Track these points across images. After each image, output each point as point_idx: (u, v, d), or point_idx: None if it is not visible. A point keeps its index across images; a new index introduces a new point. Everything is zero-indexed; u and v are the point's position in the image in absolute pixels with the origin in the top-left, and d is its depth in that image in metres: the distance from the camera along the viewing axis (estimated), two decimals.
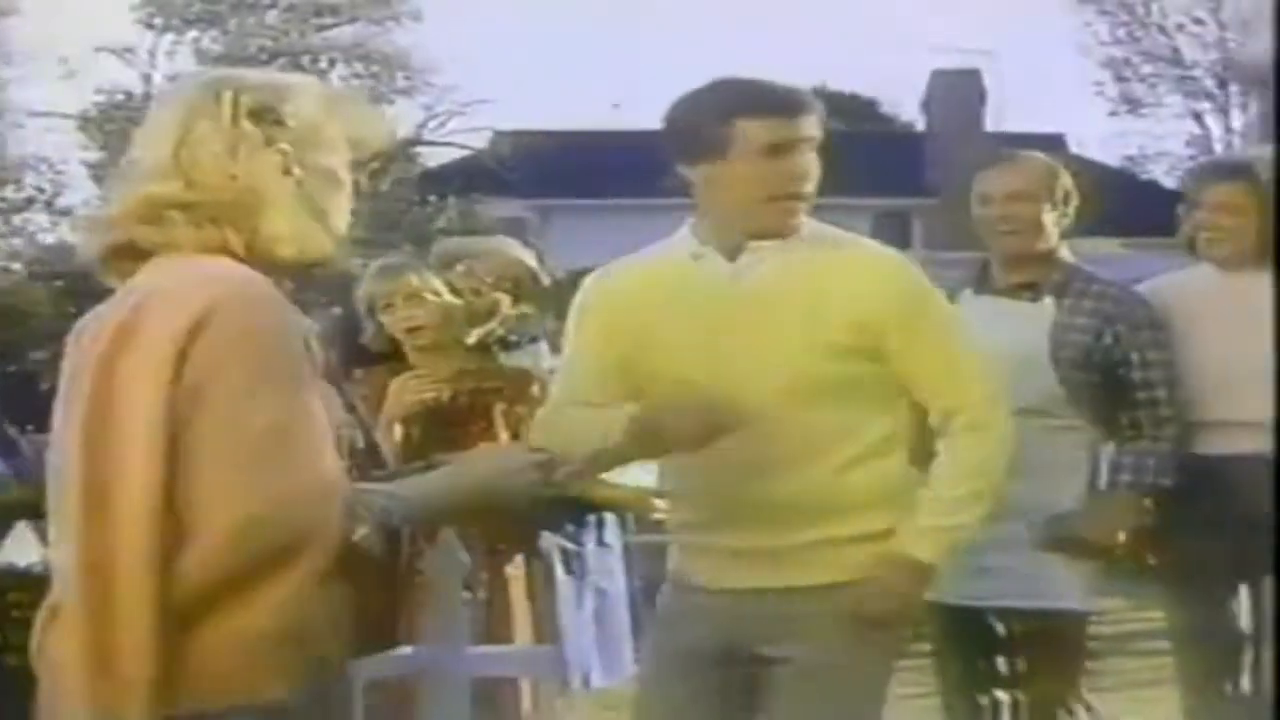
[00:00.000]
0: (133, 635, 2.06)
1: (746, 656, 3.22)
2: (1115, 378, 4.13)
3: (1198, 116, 33.24)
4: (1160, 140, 33.92)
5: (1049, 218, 4.17)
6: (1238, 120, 32.66)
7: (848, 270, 3.19)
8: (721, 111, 3.11)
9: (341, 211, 2.39)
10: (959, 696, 4.40)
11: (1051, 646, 4.12)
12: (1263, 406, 4.17)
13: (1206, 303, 4.32)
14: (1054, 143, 36.11)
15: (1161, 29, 33.39)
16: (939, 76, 27.65)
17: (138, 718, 2.07)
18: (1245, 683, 4.29)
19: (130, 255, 2.27)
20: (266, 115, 2.30)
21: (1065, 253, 4.24)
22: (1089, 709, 4.18)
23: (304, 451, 2.17)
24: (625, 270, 3.33)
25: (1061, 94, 68.89)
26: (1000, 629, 4.28)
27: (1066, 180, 4.25)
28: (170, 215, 2.23)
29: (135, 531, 2.07)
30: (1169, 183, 33.14)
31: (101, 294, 2.30)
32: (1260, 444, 4.19)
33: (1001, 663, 4.31)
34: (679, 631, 3.30)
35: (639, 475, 4.04)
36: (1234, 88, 32.85)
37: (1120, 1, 33.54)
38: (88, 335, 2.21)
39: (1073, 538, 4.07)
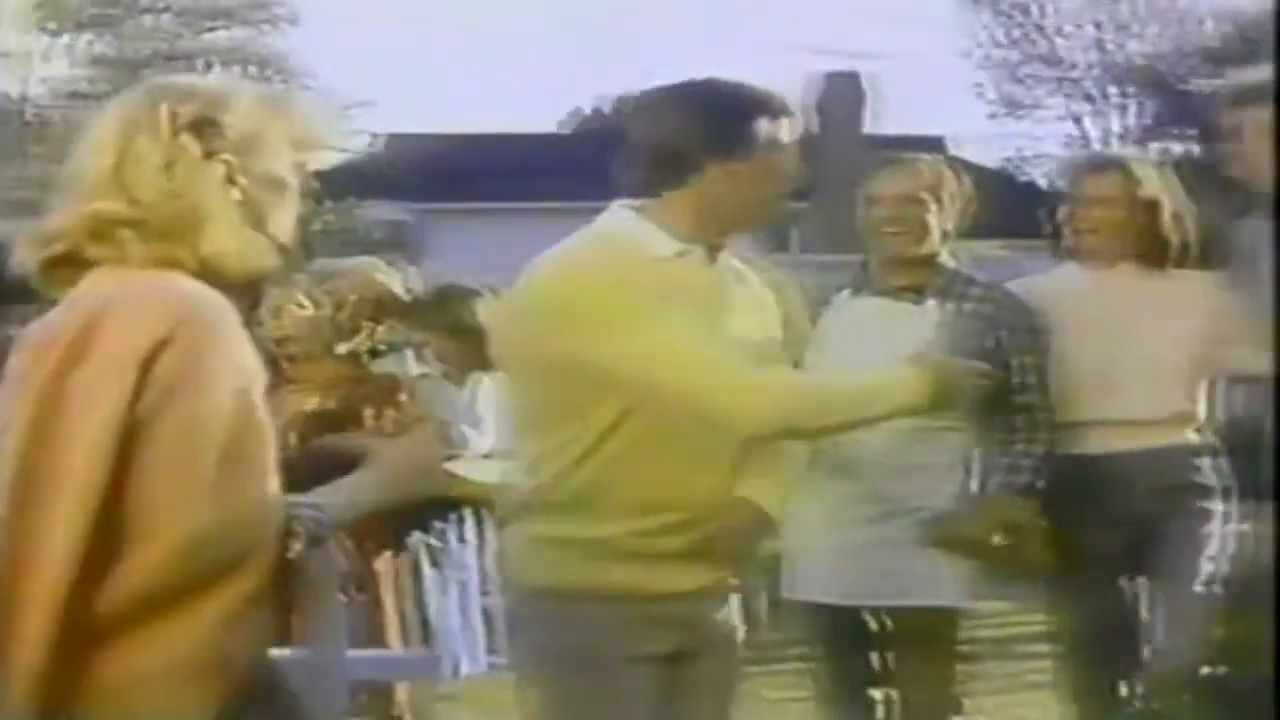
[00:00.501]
0: (32, 632, 2.06)
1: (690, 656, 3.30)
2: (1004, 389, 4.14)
3: (1077, 119, 33.71)
4: (1039, 142, 34.37)
5: (935, 221, 4.23)
6: (1116, 123, 33.17)
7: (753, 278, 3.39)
8: (745, 109, 3.19)
9: (286, 217, 2.38)
10: (836, 697, 4.47)
11: (925, 644, 4.19)
12: (1136, 404, 4.28)
13: (1080, 301, 4.39)
14: (933, 145, 36.47)
15: (1041, 31, 33.80)
16: (818, 78, 27.89)
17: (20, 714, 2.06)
18: (1123, 684, 4.07)
19: (72, 264, 2.26)
20: (206, 127, 2.29)
21: (947, 256, 4.30)
22: (960, 708, 4.26)
23: (254, 471, 2.20)
24: (622, 262, 3.17)
25: (941, 96, 69.68)
26: (875, 627, 4.33)
27: (954, 184, 4.32)
28: (118, 232, 2.23)
29: (63, 534, 2.06)
30: (1048, 185, 33.68)
31: None
32: (1135, 441, 4.29)
33: (876, 661, 4.36)
34: (633, 639, 3.23)
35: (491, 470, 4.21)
36: (1113, 90, 33.33)
37: (1000, 3, 33.93)
38: (35, 342, 2.19)
39: (952, 538, 4.13)
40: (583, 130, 34.10)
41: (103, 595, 2.11)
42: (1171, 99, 30.11)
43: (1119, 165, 4.44)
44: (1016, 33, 33.91)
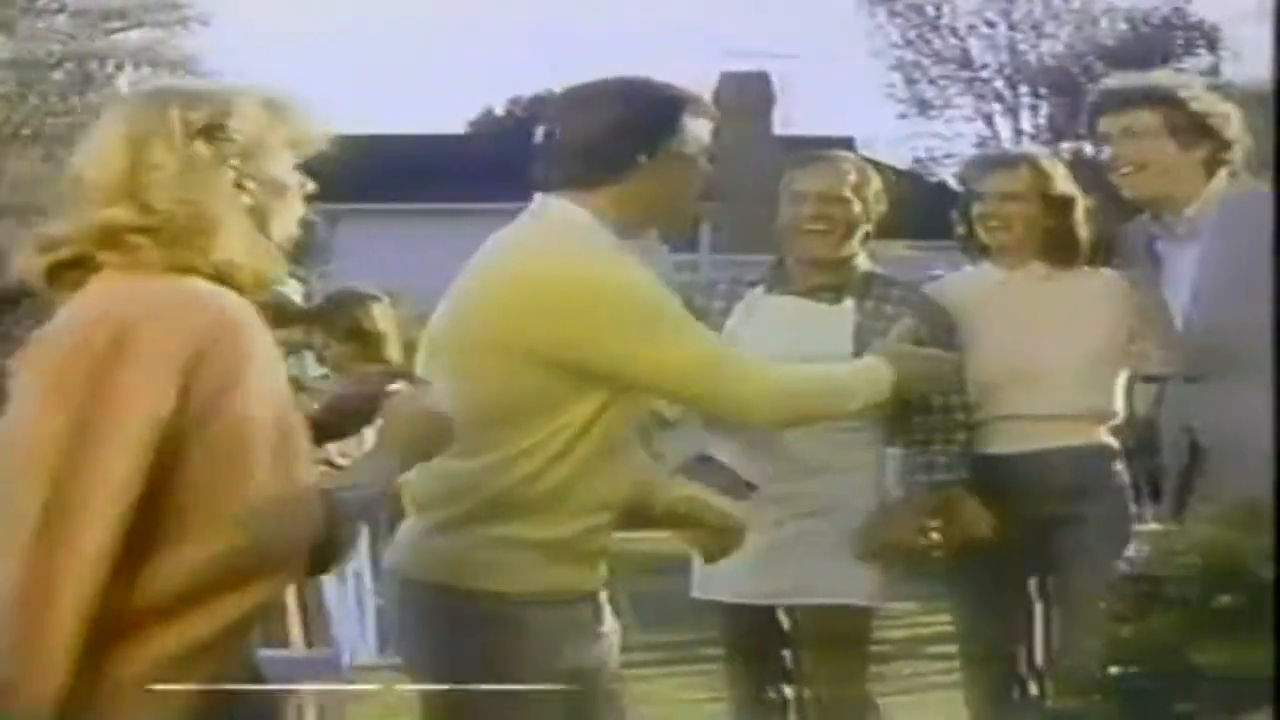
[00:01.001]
0: (62, 628, 2.09)
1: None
2: None
3: (987, 118, 34.00)
4: (949, 142, 34.65)
5: (859, 220, 4.31)
6: (1027, 122, 33.47)
7: None
8: (675, 106, 3.27)
9: (289, 220, 2.43)
10: (747, 697, 4.53)
11: (836, 642, 4.28)
12: (1046, 403, 4.36)
13: (991, 300, 4.45)
14: (843, 145, 36.70)
15: (953, 31, 34.05)
16: (728, 79, 27.95)
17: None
18: (1033, 683, 4.36)
19: (79, 268, 2.28)
20: (216, 132, 2.32)
21: (863, 256, 4.37)
22: (874, 705, 4.38)
23: (297, 468, 2.27)
24: (615, 256, 3.22)
25: (852, 96, 70.09)
26: (786, 626, 4.42)
27: (877, 183, 4.39)
28: (132, 239, 2.25)
29: (98, 534, 2.09)
30: (959, 184, 33.90)
31: None
32: (1046, 440, 4.37)
33: (788, 659, 4.44)
34: (574, 646, 3.26)
35: None
36: (1024, 89, 33.61)
37: (911, 4, 34.14)
38: (55, 342, 2.21)
39: (879, 546, 4.26)
40: (486, 131, 34.08)
41: (134, 592, 2.15)
42: (1081, 98, 30.44)
43: (1029, 161, 4.50)
44: (913, 34, 34.13)
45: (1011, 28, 33.68)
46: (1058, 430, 4.38)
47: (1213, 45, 30.60)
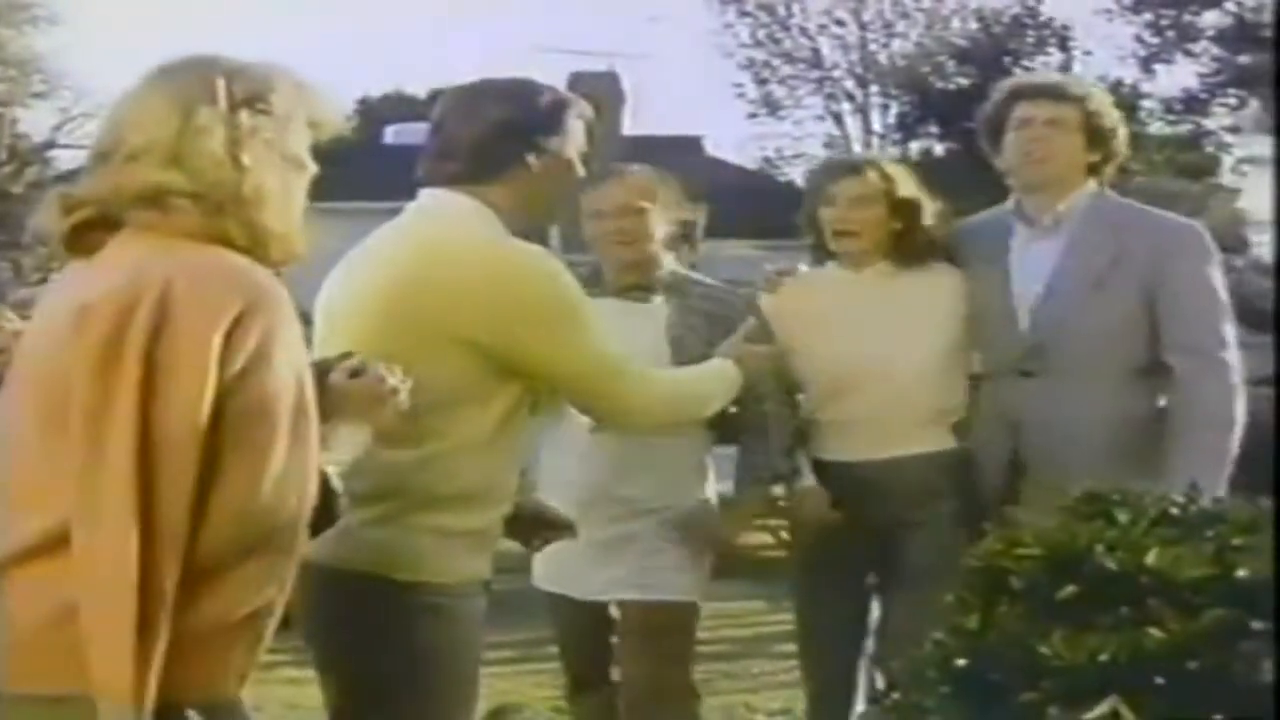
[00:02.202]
0: (161, 612, 2.14)
1: None
2: None
3: (837, 117, 34.27)
4: (799, 142, 34.91)
5: (657, 226, 4.47)
6: (877, 121, 33.81)
7: None
8: (561, 105, 3.47)
9: (302, 200, 2.46)
10: (580, 680, 4.80)
11: (659, 634, 4.45)
12: (897, 403, 4.44)
13: (831, 302, 4.56)
14: (691, 145, 36.93)
15: (803, 31, 34.31)
16: (577, 78, 27.99)
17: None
18: (863, 682, 4.53)
19: (99, 230, 2.32)
20: (256, 104, 2.37)
21: (669, 257, 4.56)
22: (695, 694, 4.57)
23: (309, 449, 2.31)
24: (537, 254, 3.32)
25: (701, 96, 70.38)
26: (617, 620, 4.57)
27: (666, 190, 4.56)
28: (177, 203, 2.28)
29: (177, 514, 2.15)
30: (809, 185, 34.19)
31: None
32: (896, 447, 4.45)
33: (619, 651, 4.60)
34: (479, 634, 3.39)
35: None
36: (874, 89, 33.94)
37: (761, 3, 34.36)
38: (83, 305, 2.22)
39: (701, 537, 4.45)
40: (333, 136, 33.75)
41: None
42: (931, 97, 30.83)
43: (875, 166, 4.59)
44: (763, 33, 34.38)
45: (862, 27, 33.96)
46: (905, 435, 4.47)
47: (1064, 44, 31.08)
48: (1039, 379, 4.24)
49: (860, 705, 4.47)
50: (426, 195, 3.46)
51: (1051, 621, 2.46)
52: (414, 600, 3.25)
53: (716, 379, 3.72)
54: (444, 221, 3.38)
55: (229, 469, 2.21)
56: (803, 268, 4.74)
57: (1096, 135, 4.31)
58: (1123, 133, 4.41)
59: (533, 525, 3.67)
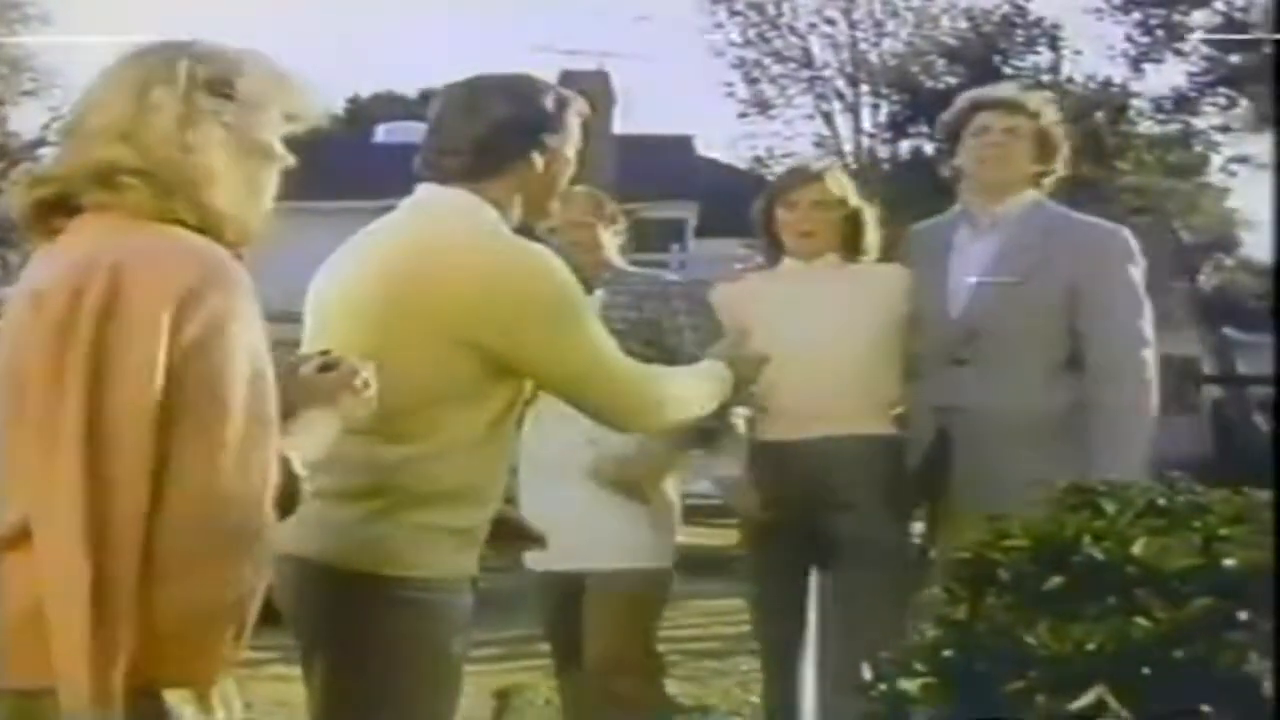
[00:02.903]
0: (120, 601, 2.12)
1: None
2: (663, 356, 4.48)
3: (827, 117, 34.29)
4: (789, 141, 34.91)
5: (605, 236, 5.10)
6: (868, 120, 33.82)
7: None
8: (562, 102, 3.50)
9: (271, 188, 2.48)
10: (564, 665, 5.15)
11: (626, 605, 4.84)
12: (832, 388, 4.77)
13: (779, 289, 4.97)
14: (682, 145, 37.02)
15: (793, 29, 34.32)
16: (568, 78, 28.03)
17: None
18: (809, 668, 4.86)
19: (59, 211, 2.33)
20: (221, 87, 2.38)
21: (617, 259, 5.13)
22: (660, 664, 5.03)
23: (269, 431, 2.29)
24: (542, 252, 3.35)
25: (692, 95, 70.47)
26: (587, 587, 4.92)
27: (611, 206, 5.20)
28: (127, 181, 2.29)
29: (132, 499, 2.14)
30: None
31: None
32: (830, 427, 4.75)
33: (584, 622, 4.93)
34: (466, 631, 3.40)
35: None
36: (864, 88, 33.97)
37: (751, 2, 34.37)
38: (40, 291, 2.23)
39: (617, 479, 4.79)
40: (322, 132, 33.78)
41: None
42: (922, 96, 30.87)
43: (833, 174, 5.08)
44: (753, 32, 34.40)
45: (852, 26, 33.97)
46: (838, 418, 4.76)
47: (1053, 43, 31.11)
48: (969, 367, 4.59)
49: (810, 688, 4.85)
50: (424, 190, 3.45)
51: (1038, 612, 2.47)
52: (401, 596, 3.25)
53: (709, 380, 3.73)
54: (444, 217, 3.37)
55: (183, 449, 2.19)
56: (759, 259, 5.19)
57: (1045, 147, 4.73)
58: (1067, 149, 4.82)
59: (503, 534, 3.67)
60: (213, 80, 2.39)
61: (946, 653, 2.50)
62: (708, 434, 4.78)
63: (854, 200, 5.03)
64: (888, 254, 5.04)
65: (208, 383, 2.21)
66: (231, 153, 2.40)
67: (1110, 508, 2.65)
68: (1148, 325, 4.53)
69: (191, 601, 2.23)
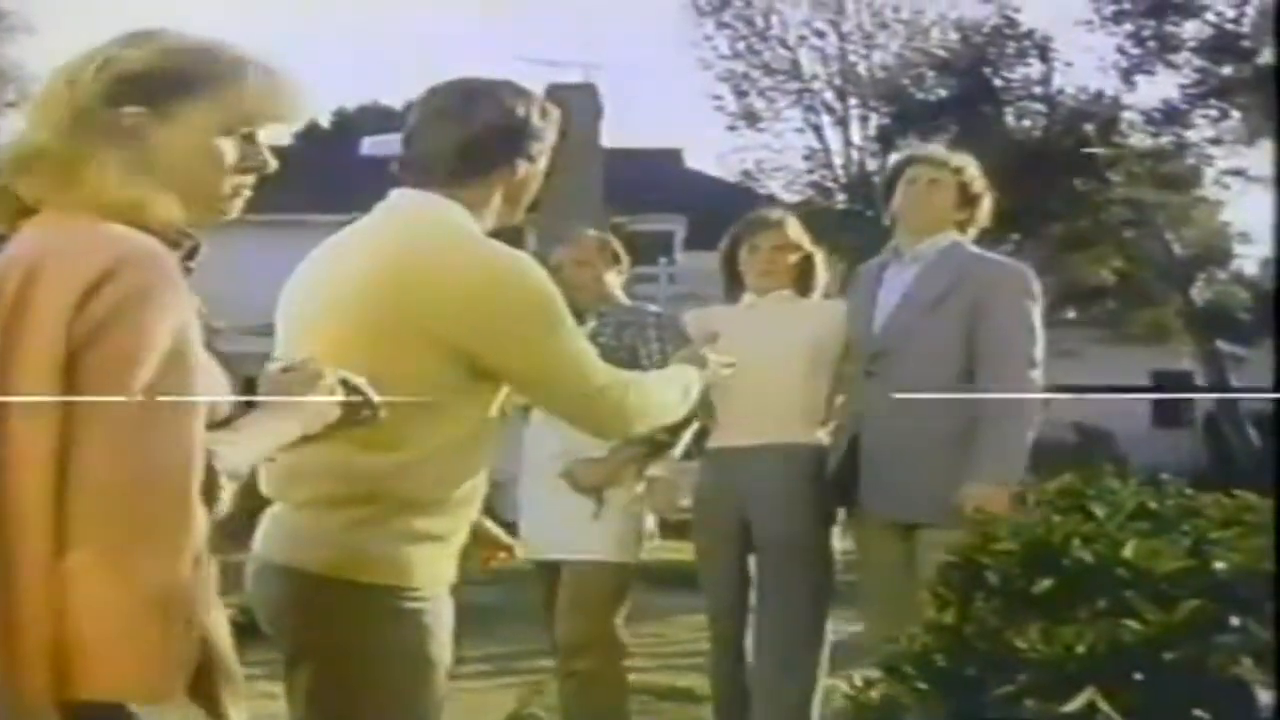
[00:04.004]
0: (35, 597, 2.09)
1: None
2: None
3: (817, 129, 34.37)
4: (779, 154, 34.99)
5: (609, 276, 5.78)
6: (857, 133, 33.91)
7: None
8: (545, 110, 3.46)
9: (205, 182, 2.42)
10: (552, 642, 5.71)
11: (589, 592, 5.51)
12: (774, 402, 5.47)
13: (737, 316, 5.70)
14: (670, 158, 37.10)
15: (782, 42, 34.38)
16: (554, 90, 28.07)
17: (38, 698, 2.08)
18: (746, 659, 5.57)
19: (16, 206, 2.35)
20: (142, 81, 2.36)
21: (618, 295, 5.79)
22: (619, 645, 5.53)
23: (184, 414, 2.21)
24: (521, 257, 3.31)
25: (680, 108, 70.60)
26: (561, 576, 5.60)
27: (615, 247, 5.86)
28: (35, 165, 2.31)
29: (32, 496, 2.10)
30: (788, 196, 34.27)
31: None
32: (767, 435, 5.48)
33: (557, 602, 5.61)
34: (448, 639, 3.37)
35: None
36: (854, 100, 34.04)
37: (740, 15, 34.45)
38: None
39: (577, 483, 5.50)
40: (310, 143, 33.80)
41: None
42: (912, 108, 30.92)
43: (791, 221, 5.82)
44: (741, 45, 34.46)
45: (841, 38, 34.07)
46: (771, 427, 5.51)
47: (1044, 55, 31.15)
48: (876, 379, 5.24)
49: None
50: (398, 195, 3.40)
51: (1028, 615, 2.47)
52: (383, 604, 3.23)
53: (679, 384, 3.73)
54: (422, 222, 3.34)
55: (84, 437, 2.14)
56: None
57: (965, 198, 5.41)
58: (988, 200, 5.49)
59: (476, 542, 3.68)
60: (127, 75, 2.37)
61: (936, 657, 2.51)
62: (659, 446, 5.49)
63: (808, 246, 5.76)
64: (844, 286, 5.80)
65: (111, 362, 2.15)
66: (134, 141, 2.37)
67: (1100, 511, 2.66)
68: (1037, 351, 5.15)
69: (108, 598, 2.13)
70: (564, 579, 5.56)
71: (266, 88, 2.49)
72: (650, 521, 5.71)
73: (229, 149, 2.44)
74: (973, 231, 5.46)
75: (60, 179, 2.32)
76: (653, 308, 5.85)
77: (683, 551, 6.28)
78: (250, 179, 2.50)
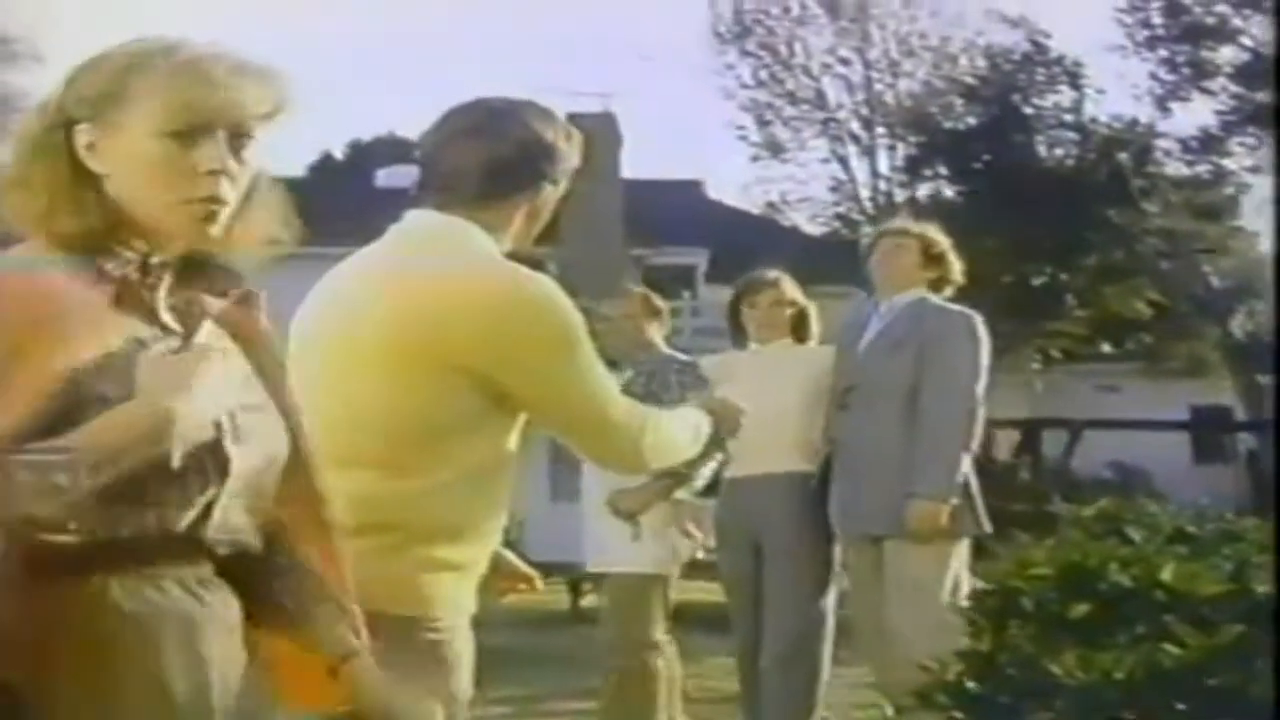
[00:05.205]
0: None
1: None
2: None
3: (842, 160, 34.31)
4: (804, 185, 34.94)
5: (652, 329, 6.69)
6: (884, 163, 33.85)
7: None
8: (571, 136, 3.43)
9: (150, 187, 2.35)
10: None
11: (625, 600, 6.49)
12: (774, 438, 6.26)
13: (745, 363, 6.69)
14: (692, 189, 37.10)
15: (806, 70, 34.36)
16: (573, 119, 28.06)
17: None
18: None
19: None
20: (97, 102, 2.34)
21: (661, 347, 6.67)
22: (655, 649, 6.42)
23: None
24: (544, 281, 3.26)
25: (702, 138, 70.74)
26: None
27: (660, 302, 6.89)
28: (7, 198, 2.35)
29: None
30: (813, 229, 34.26)
31: None
32: (768, 465, 6.39)
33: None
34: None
35: None
36: (880, 130, 33.98)
37: (763, 43, 34.46)
38: None
39: (621, 507, 6.32)
40: (325, 175, 33.93)
41: None
42: (940, 138, 30.91)
43: (787, 281, 6.80)
44: (765, 74, 34.45)
45: (867, 66, 34.01)
46: (773, 457, 6.40)
47: (1075, 82, 31.11)
48: (847, 410, 6.28)
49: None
50: (414, 216, 3.38)
51: (1064, 641, 2.47)
52: (403, 635, 3.22)
53: (690, 424, 3.69)
54: (441, 244, 3.31)
55: None
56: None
57: (928, 258, 6.39)
58: (954, 260, 6.47)
59: (495, 573, 3.65)
60: (81, 96, 2.37)
61: (969, 685, 2.51)
62: (682, 478, 6.21)
63: (801, 300, 6.79)
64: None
65: None
66: (96, 161, 2.38)
67: (1137, 534, 2.65)
68: (978, 387, 6.10)
69: None
70: (606, 588, 6.69)
71: (221, 83, 2.41)
72: (683, 542, 6.63)
73: (174, 150, 2.37)
74: (949, 289, 6.47)
75: (14, 209, 2.34)
76: (684, 356, 6.77)
77: (713, 593, 7.28)
78: (224, 190, 2.40)
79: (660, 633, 6.55)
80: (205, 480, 2.26)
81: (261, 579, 2.43)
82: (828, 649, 6.42)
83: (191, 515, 2.25)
